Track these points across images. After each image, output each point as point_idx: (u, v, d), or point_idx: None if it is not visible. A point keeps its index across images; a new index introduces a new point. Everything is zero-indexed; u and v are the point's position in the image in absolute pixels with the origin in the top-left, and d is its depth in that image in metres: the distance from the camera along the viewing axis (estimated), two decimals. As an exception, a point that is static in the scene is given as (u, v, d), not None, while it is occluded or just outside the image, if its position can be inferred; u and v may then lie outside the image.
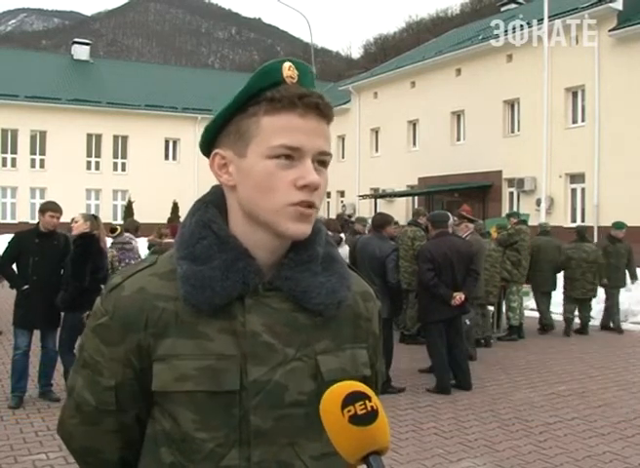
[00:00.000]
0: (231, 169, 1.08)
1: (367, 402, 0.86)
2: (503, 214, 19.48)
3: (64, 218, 8.92)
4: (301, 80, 1.07)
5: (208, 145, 1.13)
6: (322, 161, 1.06)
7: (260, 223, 1.06)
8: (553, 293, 10.36)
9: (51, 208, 5.74)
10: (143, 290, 1.07)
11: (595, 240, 17.75)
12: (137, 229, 8.74)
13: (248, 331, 1.05)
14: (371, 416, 0.85)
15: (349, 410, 0.85)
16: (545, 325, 10.13)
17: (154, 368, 1.05)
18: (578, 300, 9.83)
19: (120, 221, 31.47)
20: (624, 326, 10.58)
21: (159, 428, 1.07)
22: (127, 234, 8.49)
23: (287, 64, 1.06)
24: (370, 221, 8.45)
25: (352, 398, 0.86)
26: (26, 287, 5.63)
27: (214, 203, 1.13)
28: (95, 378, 1.09)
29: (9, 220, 29.76)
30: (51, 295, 5.64)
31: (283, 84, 1.05)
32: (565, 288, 10.01)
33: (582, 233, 10.11)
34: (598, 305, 11.55)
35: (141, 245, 9.10)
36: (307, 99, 1.03)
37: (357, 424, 0.84)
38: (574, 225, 16.37)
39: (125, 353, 1.06)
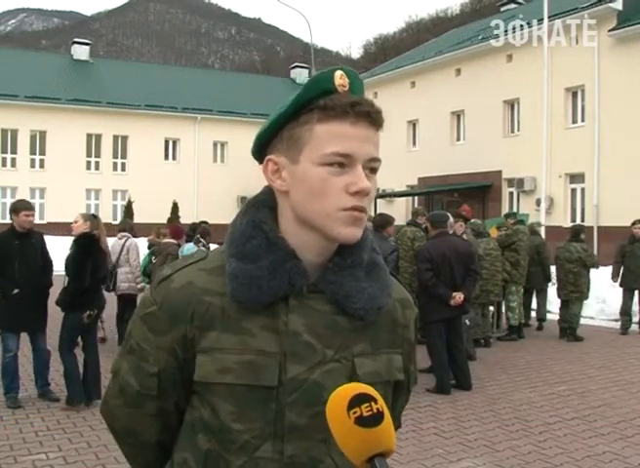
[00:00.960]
0: (284, 174, 1.12)
1: (373, 404, 0.87)
2: (503, 215, 19.53)
3: (65, 218, 8.89)
4: (353, 88, 1.10)
5: (260, 152, 1.17)
6: (373, 168, 1.10)
7: (311, 227, 1.10)
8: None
9: (25, 207, 5.63)
10: (192, 284, 1.11)
11: (595, 240, 17.84)
12: (132, 229, 8.68)
13: (290, 331, 1.09)
14: (377, 418, 0.86)
15: (355, 412, 0.86)
16: (541, 321, 10.15)
17: (197, 359, 1.09)
18: (568, 302, 9.57)
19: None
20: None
21: (197, 416, 1.12)
22: (124, 233, 8.43)
23: (338, 73, 1.10)
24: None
25: (358, 400, 0.87)
26: (17, 290, 5.46)
27: (266, 203, 1.17)
28: (140, 364, 1.14)
29: (8, 221, 29.65)
30: (37, 296, 5.58)
31: (335, 92, 1.08)
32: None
33: (576, 232, 9.79)
34: (597, 305, 11.57)
35: (141, 244, 9.10)
36: (359, 108, 1.07)
37: (363, 426, 0.85)
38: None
39: (170, 342, 1.11)
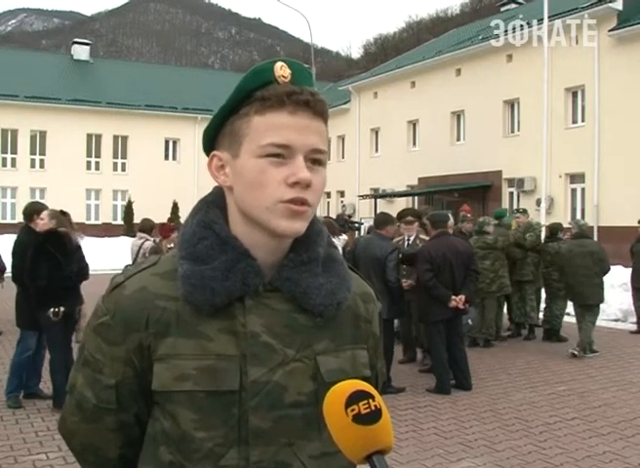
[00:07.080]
0: (228, 170, 1.09)
1: (370, 401, 0.85)
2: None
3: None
4: (295, 79, 1.06)
5: (208, 147, 1.14)
6: (316, 159, 1.05)
7: (254, 223, 1.07)
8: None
9: (46, 208, 5.70)
10: (145, 289, 1.08)
11: (595, 240, 17.80)
12: (151, 229, 8.46)
13: (248, 332, 1.05)
14: (375, 415, 0.85)
15: (353, 409, 0.85)
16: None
17: (155, 367, 1.05)
18: (551, 302, 9.25)
19: (120, 221, 31.52)
20: (624, 326, 10.59)
21: (158, 427, 1.07)
22: (142, 234, 8.18)
23: (279, 64, 1.06)
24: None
25: (356, 397, 0.86)
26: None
27: (216, 203, 1.13)
28: (95, 377, 1.09)
29: (9, 220, 29.72)
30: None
31: (274, 83, 1.05)
32: None
33: (551, 231, 9.45)
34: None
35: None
36: (296, 97, 1.03)
37: (361, 423, 0.84)
38: (574, 225, 16.36)
39: (126, 352, 1.07)
